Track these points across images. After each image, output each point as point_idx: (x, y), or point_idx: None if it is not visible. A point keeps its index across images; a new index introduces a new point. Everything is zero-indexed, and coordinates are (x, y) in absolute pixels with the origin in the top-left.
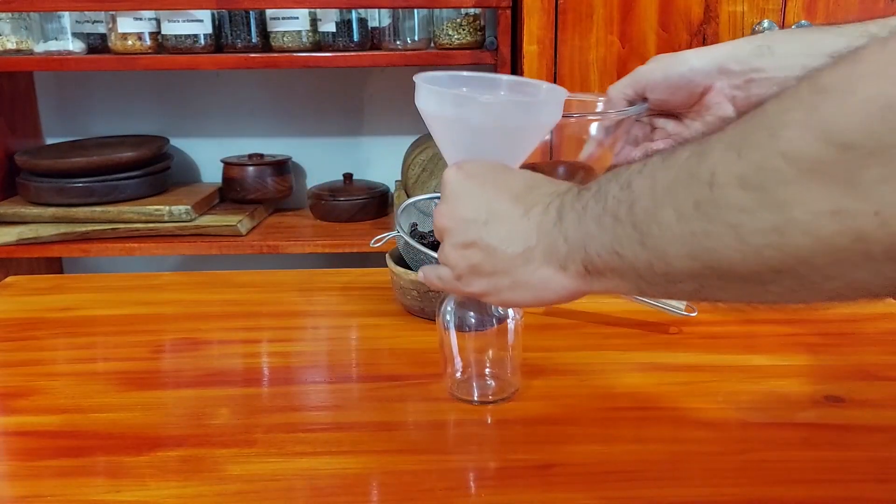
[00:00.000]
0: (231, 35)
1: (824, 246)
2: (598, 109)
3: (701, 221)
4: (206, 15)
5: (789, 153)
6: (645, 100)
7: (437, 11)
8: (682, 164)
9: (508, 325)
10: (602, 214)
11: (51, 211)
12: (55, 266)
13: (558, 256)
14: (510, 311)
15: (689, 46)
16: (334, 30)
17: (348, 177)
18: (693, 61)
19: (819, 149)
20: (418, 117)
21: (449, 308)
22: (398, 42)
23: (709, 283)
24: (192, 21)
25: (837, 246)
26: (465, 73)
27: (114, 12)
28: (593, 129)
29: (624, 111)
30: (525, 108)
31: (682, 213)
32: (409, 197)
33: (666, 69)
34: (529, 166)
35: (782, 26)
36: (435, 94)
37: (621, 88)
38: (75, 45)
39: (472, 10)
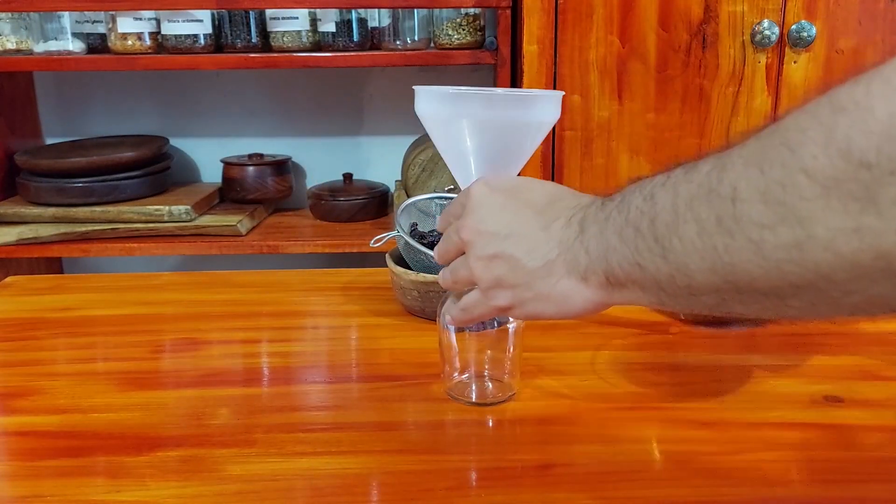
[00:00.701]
0: (231, 35)
1: (845, 262)
2: None
3: (722, 236)
4: (205, 15)
5: (811, 170)
6: None
7: (436, 11)
8: (703, 179)
9: (509, 328)
10: (624, 226)
11: (51, 211)
12: (55, 266)
13: (579, 268)
14: None
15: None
16: (334, 30)
17: (348, 177)
18: None
19: (839, 166)
20: (418, 117)
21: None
22: (398, 42)
23: (729, 297)
24: (192, 21)
25: (858, 262)
26: (455, 88)
27: (114, 12)
28: None
29: None
30: (522, 101)
31: (703, 227)
32: (409, 197)
33: None
34: None
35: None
36: (435, 96)
37: None
38: (75, 45)
39: (472, 10)
